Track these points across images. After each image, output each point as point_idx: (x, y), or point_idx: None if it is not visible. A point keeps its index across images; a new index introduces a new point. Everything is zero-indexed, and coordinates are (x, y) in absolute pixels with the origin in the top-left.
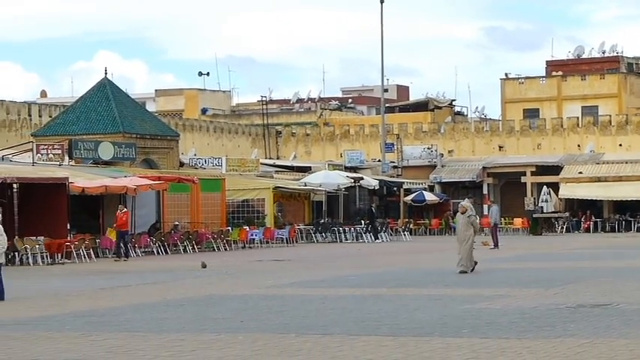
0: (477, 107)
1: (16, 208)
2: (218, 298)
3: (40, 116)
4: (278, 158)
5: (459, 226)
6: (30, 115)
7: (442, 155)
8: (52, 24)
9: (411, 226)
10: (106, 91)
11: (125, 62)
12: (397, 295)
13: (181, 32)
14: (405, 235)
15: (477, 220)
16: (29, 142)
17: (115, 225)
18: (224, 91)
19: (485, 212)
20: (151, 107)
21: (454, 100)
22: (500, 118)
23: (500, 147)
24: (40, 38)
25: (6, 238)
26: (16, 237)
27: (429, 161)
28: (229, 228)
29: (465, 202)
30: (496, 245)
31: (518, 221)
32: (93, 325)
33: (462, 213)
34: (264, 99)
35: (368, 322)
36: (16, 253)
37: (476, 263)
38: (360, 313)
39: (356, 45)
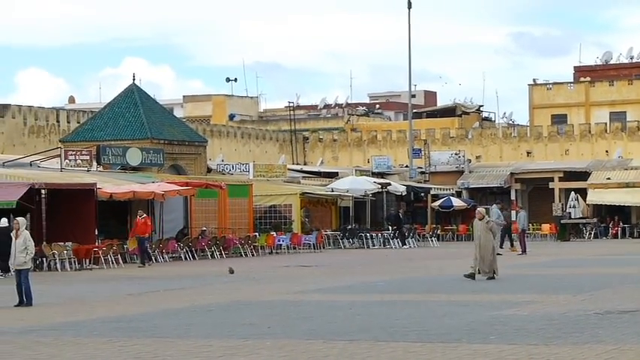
0: (504, 113)
1: (44, 214)
2: (245, 304)
3: (68, 122)
4: (305, 164)
5: (476, 232)
6: (58, 121)
7: (470, 161)
8: (80, 30)
9: (439, 231)
10: (134, 97)
11: (152, 68)
12: (425, 301)
13: (208, 38)
14: (432, 240)
15: (497, 223)
16: (57, 147)
17: (135, 232)
18: (251, 97)
19: (513, 218)
20: (178, 113)
21: (482, 105)
22: (528, 124)
23: (528, 153)
24: (67, 44)
25: (34, 244)
26: (44, 242)
27: (456, 167)
28: (256, 234)
29: (482, 208)
30: (524, 251)
31: (546, 227)
32: (121, 331)
33: (480, 219)
34: (291, 105)
35: (395, 329)
36: (44, 259)
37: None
38: (388, 319)
39: (383, 50)
